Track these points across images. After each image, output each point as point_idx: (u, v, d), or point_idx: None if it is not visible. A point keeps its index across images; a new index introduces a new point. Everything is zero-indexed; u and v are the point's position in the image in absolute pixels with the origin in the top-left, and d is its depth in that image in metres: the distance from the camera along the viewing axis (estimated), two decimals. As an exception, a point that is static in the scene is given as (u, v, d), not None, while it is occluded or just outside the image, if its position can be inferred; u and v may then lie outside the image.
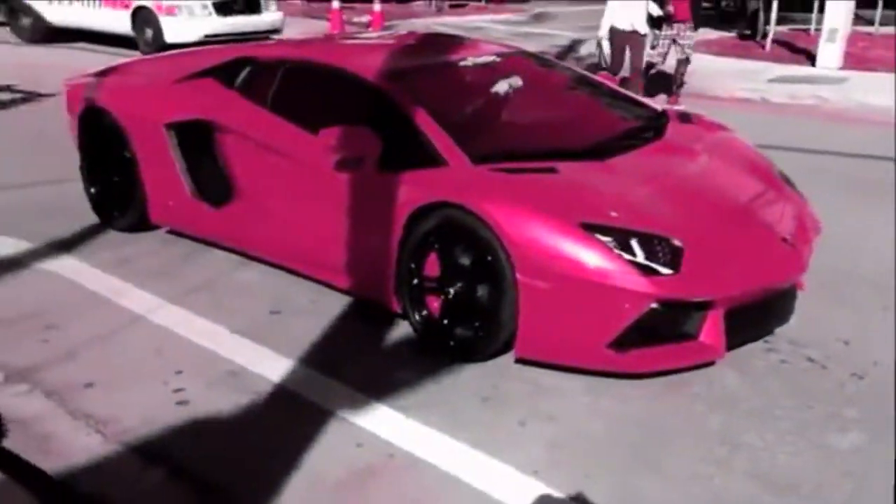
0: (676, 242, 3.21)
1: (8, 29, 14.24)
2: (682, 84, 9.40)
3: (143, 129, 4.63)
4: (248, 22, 12.81)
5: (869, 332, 3.81)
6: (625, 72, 8.76)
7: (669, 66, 9.31)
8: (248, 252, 4.45)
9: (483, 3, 22.71)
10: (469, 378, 3.39)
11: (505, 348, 3.39)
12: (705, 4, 15.13)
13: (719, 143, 4.32)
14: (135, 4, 12.57)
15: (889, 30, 14.90)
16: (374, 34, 8.51)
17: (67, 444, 2.91)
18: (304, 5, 19.96)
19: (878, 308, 4.04)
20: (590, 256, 3.10)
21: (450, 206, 3.39)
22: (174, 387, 3.30)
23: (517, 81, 4.36)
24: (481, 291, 3.38)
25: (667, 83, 9.45)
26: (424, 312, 3.58)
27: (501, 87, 4.31)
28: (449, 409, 3.16)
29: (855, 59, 11.78)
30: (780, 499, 2.67)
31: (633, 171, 3.72)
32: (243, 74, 4.48)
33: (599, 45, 8.84)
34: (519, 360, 3.38)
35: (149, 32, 12.52)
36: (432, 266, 3.51)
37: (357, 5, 18.58)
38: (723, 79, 10.56)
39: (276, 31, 13.22)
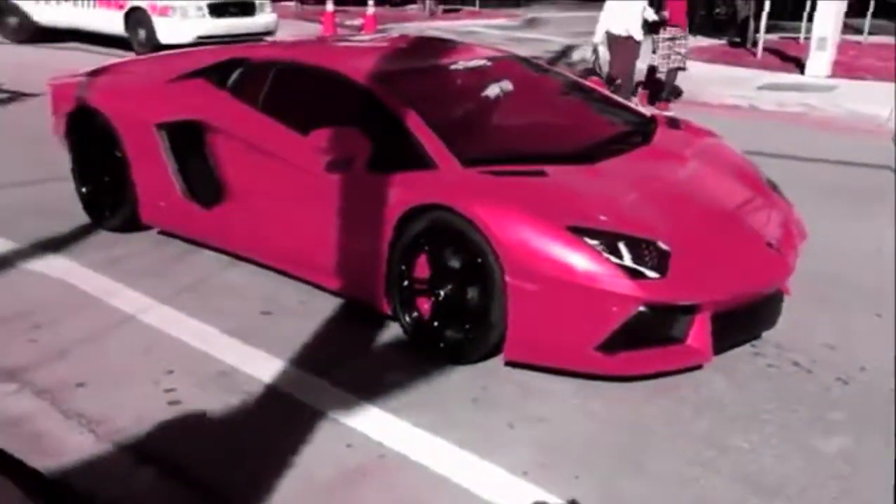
0: (664, 246, 3.24)
1: None
2: (679, 93, 9.42)
3: (135, 129, 4.63)
4: (241, 24, 12.80)
5: (854, 336, 3.85)
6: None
7: (660, 73, 9.37)
8: (239, 253, 4.46)
9: (476, 8, 22.78)
10: (459, 379, 3.41)
11: (495, 350, 3.41)
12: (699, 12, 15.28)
13: (707, 148, 4.37)
14: (129, 5, 12.55)
15: (877, 39, 15.05)
16: (367, 37, 8.51)
17: (59, 442, 2.92)
18: (297, 8, 19.97)
19: (862, 313, 4.09)
20: (578, 259, 3.12)
21: (440, 208, 3.40)
22: (165, 386, 3.31)
23: (508, 85, 4.39)
24: (471, 293, 3.40)
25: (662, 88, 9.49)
26: (415, 314, 3.60)
27: (492, 90, 4.34)
28: (439, 410, 3.18)
29: (844, 68, 11.89)
30: (766, 501, 2.70)
31: (621, 175, 3.76)
32: (235, 75, 4.49)
33: (595, 50, 8.79)
34: (508, 363, 3.40)
35: (142, 33, 12.50)
36: (422, 268, 3.53)
37: (350, 9, 18.61)
38: (712, 85, 10.63)
39: (270, 33, 13.23)
